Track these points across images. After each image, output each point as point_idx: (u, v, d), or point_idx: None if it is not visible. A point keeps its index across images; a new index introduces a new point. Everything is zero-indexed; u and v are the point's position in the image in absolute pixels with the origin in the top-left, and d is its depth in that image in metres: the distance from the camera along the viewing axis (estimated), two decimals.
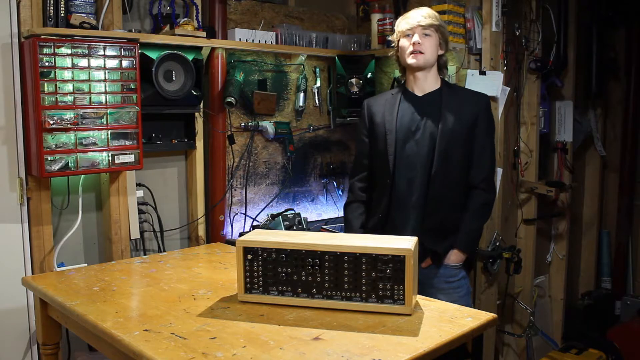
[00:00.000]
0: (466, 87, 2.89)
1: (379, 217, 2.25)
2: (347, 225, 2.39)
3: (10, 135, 2.35)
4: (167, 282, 1.93)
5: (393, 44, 2.30)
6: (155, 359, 1.32)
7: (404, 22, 2.21)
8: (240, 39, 2.95)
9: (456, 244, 2.20)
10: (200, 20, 2.80)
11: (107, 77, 2.38)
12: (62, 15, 2.38)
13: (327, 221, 3.40)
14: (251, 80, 3.12)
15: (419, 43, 2.15)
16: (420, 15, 2.17)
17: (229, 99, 2.86)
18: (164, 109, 2.69)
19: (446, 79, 2.35)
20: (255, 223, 3.17)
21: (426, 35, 2.17)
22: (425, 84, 2.24)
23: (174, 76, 2.66)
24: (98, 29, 2.45)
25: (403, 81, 2.34)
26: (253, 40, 2.99)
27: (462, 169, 2.20)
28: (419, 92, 2.25)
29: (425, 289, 2.17)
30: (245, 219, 3.15)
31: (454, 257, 2.21)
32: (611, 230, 4.04)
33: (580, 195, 3.98)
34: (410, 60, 2.19)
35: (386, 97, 2.34)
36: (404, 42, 2.21)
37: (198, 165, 2.91)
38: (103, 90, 2.38)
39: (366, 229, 2.32)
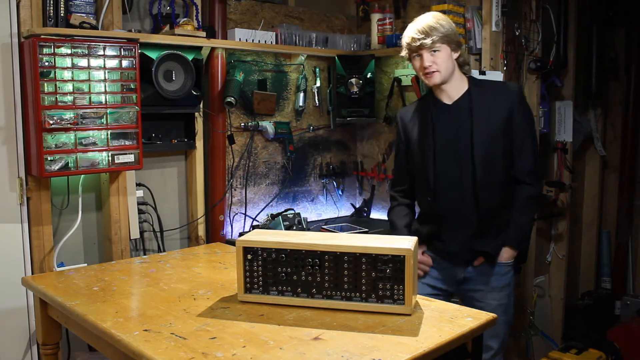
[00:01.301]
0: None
1: (435, 232, 2.22)
2: (391, 226, 2.35)
3: (10, 135, 2.35)
4: (167, 282, 1.93)
5: (403, 53, 2.20)
6: (155, 359, 1.32)
7: (409, 43, 2.12)
8: (240, 39, 2.95)
9: (507, 241, 2.16)
10: (200, 20, 2.80)
11: (107, 77, 2.38)
12: (62, 15, 2.38)
13: (327, 221, 3.41)
14: (251, 80, 3.11)
15: (430, 65, 2.08)
16: (423, 34, 2.06)
17: (228, 99, 2.86)
18: (163, 109, 2.69)
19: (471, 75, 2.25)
20: (255, 223, 3.17)
21: (435, 51, 2.08)
22: (452, 91, 2.16)
23: (173, 76, 2.66)
24: (98, 29, 2.45)
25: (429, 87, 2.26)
26: (253, 40, 2.99)
27: (506, 167, 2.14)
28: (448, 100, 2.17)
29: (476, 287, 2.19)
30: (245, 219, 3.15)
31: (506, 254, 2.17)
32: (611, 230, 4.04)
33: (580, 195, 3.98)
34: (427, 81, 2.14)
35: (417, 107, 2.27)
36: (414, 63, 2.15)
37: (198, 165, 2.91)
38: (103, 90, 2.38)
39: (411, 231, 2.28)
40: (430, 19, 2.10)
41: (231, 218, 3.08)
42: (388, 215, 2.42)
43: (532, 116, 2.23)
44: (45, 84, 2.24)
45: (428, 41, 2.06)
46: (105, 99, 2.39)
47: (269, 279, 1.67)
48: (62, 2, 2.37)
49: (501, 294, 2.18)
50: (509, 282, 2.21)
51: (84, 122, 2.34)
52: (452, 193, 2.15)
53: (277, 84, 3.24)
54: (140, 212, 2.75)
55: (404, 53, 2.19)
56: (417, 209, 2.39)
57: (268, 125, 3.16)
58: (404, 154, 2.32)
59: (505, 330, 2.21)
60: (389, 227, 2.40)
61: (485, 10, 2.88)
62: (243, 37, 2.96)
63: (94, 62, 2.35)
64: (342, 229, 3.15)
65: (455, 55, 2.13)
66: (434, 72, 2.09)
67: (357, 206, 3.63)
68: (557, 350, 3.34)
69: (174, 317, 1.59)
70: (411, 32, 2.11)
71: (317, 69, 3.37)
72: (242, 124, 3.10)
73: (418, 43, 2.08)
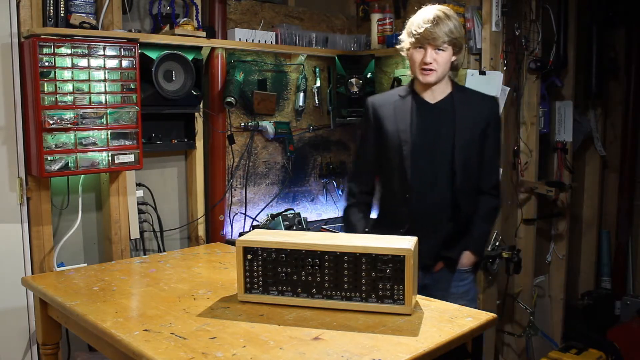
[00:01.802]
0: (466, 87, 2.89)
1: (400, 232, 2.08)
2: (349, 229, 2.22)
3: (10, 135, 2.35)
4: (167, 282, 1.93)
5: (402, 44, 2.09)
6: (155, 359, 1.32)
7: (416, 33, 1.99)
8: (240, 39, 2.95)
9: (469, 247, 2.14)
10: (200, 20, 2.80)
11: (107, 77, 2.38)
12: (62, 15, 2.38)
13: (327, 221, 3.40)
14: (251, 80, 3.11)
15: (430, 62, 1.99)
16: (435, 29, 1.96)
17: (228, 99, 2.86)
18: (163, 109, 2.69)
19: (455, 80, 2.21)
20: (255, 223, 3.17)
21: (440, 50, 1.99)
22: (438, 91, 2.10)
23: (173, 76, 2.65)
24: (98, 29, 2.45)
25: (411, 79, 2.17)
26: (253, 40, 2.99)
27: (476, 176, 2.13)
28: (431, 100, 2.10)
29: (434, 294, 2.09)
30: (245, 219, 3.15)
31: (467, 260, 2.15)
32: (611, 230, 4.04)
33: (580, 195, 3.98)
34: (421, 76, 2.04)
35: (393, 99, 2.15)
36: (415, 55, 2.03)
37: (198, 165, 2.91)
38: (103, 90, 2.38)
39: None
40: (441, 14, 1.99)
41: (231, 218, 3.08)
42: (346, 213, 2.27)
43: (501, 133, 2.26)
44: (45, 84, 2.24)
45: (439, 40, 1.97)
46: (105, 99, 2.39)
47: (269, 279, 1.67)
48: (62, 2, 2.37)
49: (462, 302, 2.03)
50: (469, 288, 2.19)
51: (84, 122, 2.34)
52: (429, 195, 2.09)
53: (277, 84, 3.24)
54: (140, 212, 2.75)
55: (405, 42, 2.07)
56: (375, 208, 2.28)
57: (268, 125, 3.16)
58: (372, 146, 2.18)
59: None
60: (343, 226, 2.28)
61: (485, 10, 2.88)
62: (243, 37, 2.96)
63: (94, 62, 2.35)
64: (342, 229, 3.15)
65: (454, 58, 2.07)
66: (432, 70, 2.02)
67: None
68: (557, 350, 3.34)
69: (174, 317, 1.59)
70: (420, 20, 2.00)
71: (317, 69, 3.37)
72: (242, 124, 3.10)
73: (427, 36, 1.97)
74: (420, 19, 2.00)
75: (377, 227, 2.18)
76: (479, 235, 2.16)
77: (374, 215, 2.29)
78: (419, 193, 2.08)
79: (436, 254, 2.12)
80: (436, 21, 1.97)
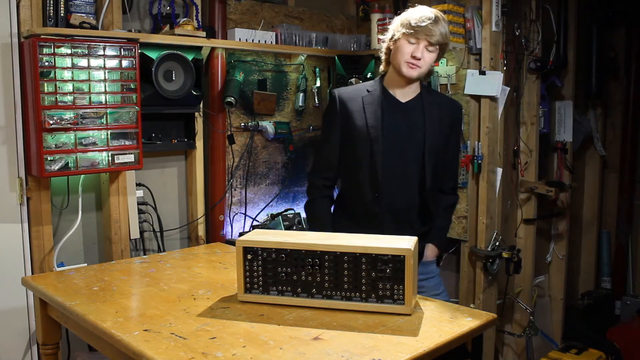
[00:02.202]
0: (466, 87, 2.89)
1: (366, 231, 2.00)
2: (315, 223, 2.18)
3: (10, 135, 2.35)
4: (167, 282, 1.93)
5: (391, 34, 2.07)
6: (155, 359, 1.32)
7: (416, 26, 1.98)
8: (240, 39, 2.95)
9: (432, 239, 2.20)
10: (200, 20, 2.80)
11: (107, 77, 2.38)
12: (62, 15, 2.38)
13: None
14: (251, 80, 3.12)
15: (419, 59, 2.00)
16: (433, 27, 1.97)
17: (228, 99, 2.86)
18: (163, 108, 2.69)
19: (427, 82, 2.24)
20: (255, 223, 3.17)
21: (429, 51, 2.01)
22: (409, 91, 2.11)
23: (173, 76, 2.66)
24: (98, 29, 2.46)
25: (380, 76, 2.16)
26: (253, 40, 2.99)
27: (439, 177, 2.17)
28: (401, 98, 2.10)
29: None
30: (245, 219, 3.15)
31: (431, 251, 2.20)
32: (611, 230, 4.04)
33: (580, 195, 3.98)
34: (405, 69, 2.02)
35: (362, 93, 2.12)
36: (405, 46, 2.00)
37: (198, 165, 2.91)
38: (103, 90, 2.38)
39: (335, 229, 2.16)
40: (440, 16, 2.02)
41: (231, 218, 3.08)
42: (310, 207, 2.22)
43: (460, 136, 2.34)
44: (45, 84, 2.24)
45: (434, 39, 1.98)
46: (105, 99, 2.39)
47: (269, 279, 1.67)
48: (62, 2, 2.37)
49: (430, 294, 2.07)
50: (438, 282, 2.24)
51: (84, 122, 2.34)
52: (399, 195, 2.10)
53: (277, 84, 3.24)
54: (140, 212, 2.75)
55: (396, 33, 2.03)
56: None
57: (268, 125, 3.16)
58: (337, 140, 2.14)
59: None
60: (308, 221, 2.23)
61: (485, 10, 2.88)
62: (243, 37, 2.96)
63: (94, 62, 2.35)
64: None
65: (434, 63, 2.11)
66: (418, 66, 2.01)
67: None
68: (557, 350, 3.34)
69: (174, 317, 1.59)
70: (419, 15, 2.00)
71: (317, 69, 3.37)
72: (242, 124, 3.10)
73: (425, 31, 1.97)
74: (420, 15, 2.01)
75: (338, 224, 2.15)
76: (440, 229, 2.23)
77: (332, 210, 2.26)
78: (389, 193, 2.09)
79: None
80: (436, 20, 2.00)
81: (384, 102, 2.10)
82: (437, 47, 2.02)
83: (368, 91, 2.13)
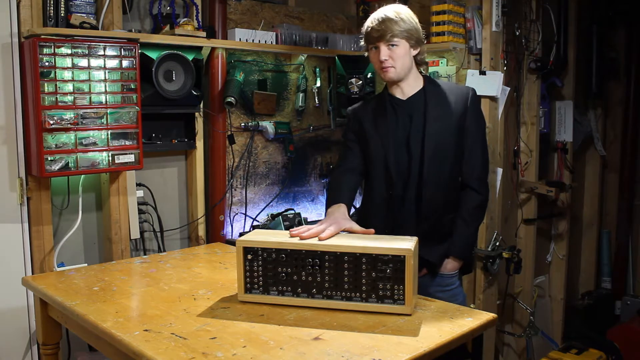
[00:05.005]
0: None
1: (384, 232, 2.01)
2: (333, 188, 2.15)
3: (10, 135, 2.35)
4: (167, 282, 1.93)
5: (363, 50, 2.13)
6: (155, 359, 1.32)
7: (368, 33, 2.04)
8: (240, 39, 2.95)
9: (451, 251, 2.11)
10: (200, 20, 2.80)
11: (107, 77, 2.39)
12: (62, 15, 2.38)
13: None
14: (251, 80, 3.12)
15: (386, 59, 2.00)
16: (382, 27, 1.98)
17: (229, 99, 2.86)
18: (164, 109, 2.69)
19: (428, 74, 2.18)
20: (255, 223, 3.17)
21: (393, 45, 1.99)
22: (407, 88, 2.10)
23: (174, 76, 2.66)
24: (98, 29, 2.46)
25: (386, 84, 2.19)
26: (253, 40, 2.99)
27: (454, 169, 2.10)
28: (402, 96, 2.11)
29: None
30: (245, 219, 3.15)
31: (450, 265, 2.12)
32: (611, 230, 4.04)
33: (580, 195, 3.98)
34: (383, 75, 2.06)
35: (373, 103, 2.20)
36: (371, 56, 2.06)
37: (198, 165, 2.91)
38: (103, 90, 2.38)
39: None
40: (390, 11, 2.02)
41: (231, 218, 3.08)
42: (334, 177, 2.21)
43: (484, 122, 2.19)
44: (46, 84, 2.24)
45: (386, 36, 1.99)
46: (106, 99, 2.39)
47: (269, 279, 1.67)
48: (62, 2, 2.37)
49: None
50: (457, 292, 2.15)
51: (84, 122, 2.34)
52: (403, 188, 2.09)
53: (277, 84, 3.24)
54: (140, 212, 2.75)
55: (362, 43, 2.09)
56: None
57: (268, 125, 3.16)
58: (355, 146, 2.19)
59: None
60: (329, 189, 2.21)
61: (485, 10, 2.88)
62: (243, 37, 2.96)
63: (94, 62, 2.35)
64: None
65: (414, 52, 2.06)
66: (389, 67, 2.01)
67: (357, 206, 3.62)
68: (557, 350, 3.34)
69: (174, 317, 1.59)
70: (370, 22, 2.04)
71: (317, 69, 3.37)
72: (242, 124, 3.10)
73: (376, 34, 2.01)
74: (370, 21, 2.05)
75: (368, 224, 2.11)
76: (460, 239, 2.11)
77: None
78: (398, 188, 2.09)
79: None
80: (383, 19, 2.01)
81: (388, 104, 2.13)
82: (400, 39, 2.00)
83: (377, 100, 2.19)
